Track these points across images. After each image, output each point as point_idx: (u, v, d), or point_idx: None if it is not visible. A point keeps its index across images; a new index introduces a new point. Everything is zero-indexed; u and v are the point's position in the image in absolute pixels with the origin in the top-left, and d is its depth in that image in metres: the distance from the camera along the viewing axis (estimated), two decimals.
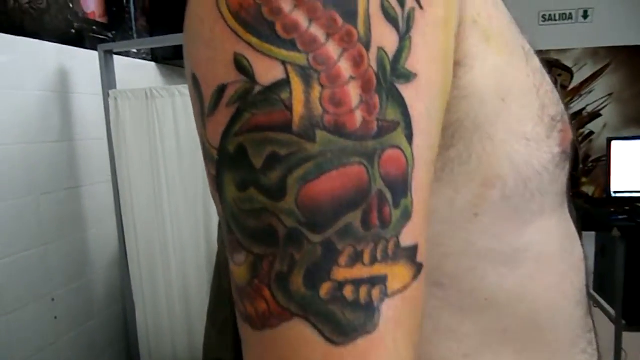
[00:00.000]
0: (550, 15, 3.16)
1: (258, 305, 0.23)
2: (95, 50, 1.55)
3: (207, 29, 0.24)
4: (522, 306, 0.34)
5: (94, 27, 1.68)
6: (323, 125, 0.22)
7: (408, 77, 0.24)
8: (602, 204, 2.46)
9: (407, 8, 0.24)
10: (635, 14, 3.08)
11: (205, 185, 1.48)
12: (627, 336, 2.08)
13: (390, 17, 0.24)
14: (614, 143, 2.30)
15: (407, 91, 0.24)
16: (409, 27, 0.24)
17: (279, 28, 0.22)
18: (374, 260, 0.22)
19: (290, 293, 0.22)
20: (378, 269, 0.22)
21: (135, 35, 1.90)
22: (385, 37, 0.23)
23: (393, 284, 0.23)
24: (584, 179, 3.20)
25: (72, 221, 1.54)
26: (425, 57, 0.25)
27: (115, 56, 1.57)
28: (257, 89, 0.22)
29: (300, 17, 0.22)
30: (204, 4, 0.25)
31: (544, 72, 0.35)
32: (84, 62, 1.58)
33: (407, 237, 0.23)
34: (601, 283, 2.30)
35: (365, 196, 0.22)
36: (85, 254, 1.60)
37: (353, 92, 0.22)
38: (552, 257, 0.35)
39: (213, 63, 0.24)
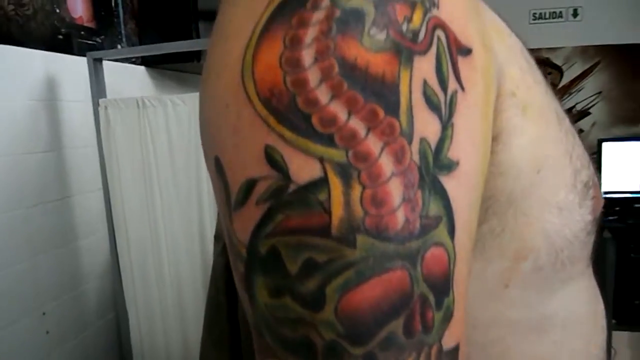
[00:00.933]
0: (540, 13, 3.16)
1: None
2: (84, 55, 1.51)
3: (233, 114, 0.23)
4: None
5: (82, 32, 1.64)
6: (364, 228, 0.20)
7: (450, 167, 0.23)
8: None
9: (449, 92, 0.23)
10: (625, 12, 3.10)
11: (199, 194, 1.45)
12: (616, 335, 2.13)
13: (432, 105, 0.22)
14: (604, 144, 2.32)
15: (449, 182, 0.22)
16: (451, 113, 0.23)
17: (315, 121, 0.21)
18: None
19: None
20: None
21: (124, 39, 1.86)
22: (427, 127, 0.22)
23: None
24: None
25: (63, 232, 1.51)
26: (467, 142, 0.24)
27: (104, 61, 1.53)
28: (292, 187, 0.21)
29: (338, 110, 0.21)
30: (227, 85, 0.23)
31: (574, 131, 0.34)
32: (72, 68, 1.54)
33: (449, 339, 0.22)
34: None
35: (408, 302, 0.21)
36: (77, 266, 1.57)
37: (395, 190, 0.21)
38: (578, 321, 0.34)
39: (241, 152, 0.22)
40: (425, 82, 0.22)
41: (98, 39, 1.72)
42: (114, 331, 1.70)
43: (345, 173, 0.20)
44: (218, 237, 1.13)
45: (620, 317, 2.06)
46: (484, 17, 0.28)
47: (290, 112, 0.21)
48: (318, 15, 0.21)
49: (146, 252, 1.55)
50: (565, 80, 3.18)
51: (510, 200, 0.29)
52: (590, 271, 0.37)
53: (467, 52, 0.24)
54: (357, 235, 0.20)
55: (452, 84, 0.23)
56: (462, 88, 0.23)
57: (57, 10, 1.53)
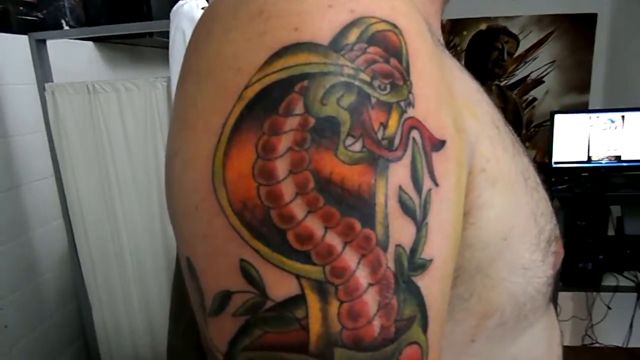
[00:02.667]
0: None
1: None
2: (25, 34, 1.41)
3: (204, 220, 0.22)
4: None
5: (21, 8, 1.52)
6: (341, 342, 0.21)
7: (424, 266, 0.23)
8: (544, 171, 2.59)
9: (424, 192, 0.23)
10: None
11: (159, 181, 1.42)
12: (562, 294, 2.30)
13: (408, 209, 0.22)
14: (557, 116, 2.40)
15: (423, 280, 0.23)
16: (425, 213, 0.23)
17: (291, 237, 0.20)
18: None
19: None
20: None
21: (68, 13, 1.74)
22: (403, 233, 0.22)
23: None
24: (526, 144, 3.33)
25: (15, 223, 1.45)
26: (440, 237, 0.24)
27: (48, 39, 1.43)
28: (269, 304, 0.21)
29: (314, 225, 0.20)
30: (196, 185, 0.22)
31: (538, 184, 0.35)
32: (13, 48, 1.43)
33: None
34: None
35: None
36: (32, 257, 1.51)
37: (371, 301, 0.21)
38: (539, 358, 0.36)
39: (214, 262, 0.22)
40: (400, 188, 0.22)
41: (40, 15, 1.60)
42: (77, 321, 1.68)
43: (322, 289, 0.20)
44: (175, 318, 1.12)
45: (566, 279, 2.20)
46: (457, 96, 0.28)
47: (264, 226, 0.20)
48: (291, 122, 0.21)
49: (105, 238, 1.51)
50: (521, 49, 3.24)
51: (478, 268, 0.30)
52: (550, 308, 0.39)
53: (441, 145, 0.24)
54: (335, 350, 0.21)
55: (427, 183, 0.23)
56: (436, 184, 0.23)
57: None
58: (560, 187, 2.30)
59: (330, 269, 0.20)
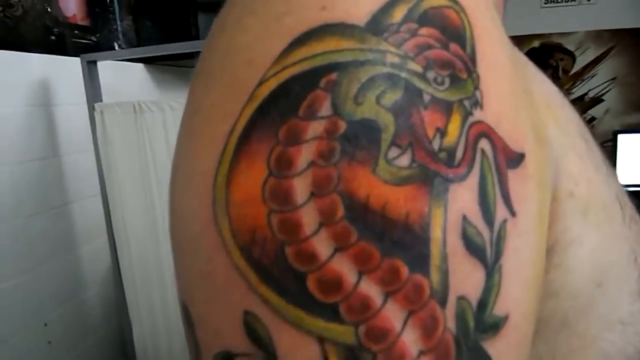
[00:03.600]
0: None
1: None
2: (78, 56, 1.45)
3: (203, 255, 0.17)
4: None
5: (76, 32, 1.57)
6: None
7: (497, 326, 0.17)
8: None
9: (497, 224, 0.17)
10: None
11: None
12: None
13: (475, 248, 0.17)
14: (620, 136, 2.24)
15: (495, 345, 0.17)
16: (499, 253, 0.17)
17: (312, 284, 0.15)
18: None
19: None
20: None
21: (120, 36, 1.79)
22: (468, 281, 0.16)
23: None
24: None
25: (63, 240, 1.47)
26: (518, 285, 0.18)
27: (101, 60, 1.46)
28: None
29: (344, 268, 0.15)
30: (194, 209, 0.18)
31: (635, 210, 0.28)
32: (67, 70, 1.48)
33: None
34: None
35: None
36: (77, 274, 1.53)
37: None
38: None
39: (213, 311, 0.17)
40: (465, 219, 0.16)
41: (93, 38, 1.65)
42: (118, 339, 1.68)
43: (355, 357, 0.15)
44: None
45: None
46: (536, 96, 0.22)
47: (277, 268, 0.15)
48: (315, 128, 0.16)
49: (147, 256, 1.51)
50: (577, 67, 3.07)
51: (564, 323, 0.24)
52: None
53: (519, 160, 0.18)
54: None
55: (501, 212, 0.17)
56: (513, 213, 0.18)
57: (49, 10, 1.46)
58: None
59: (367, 330, 0.15)
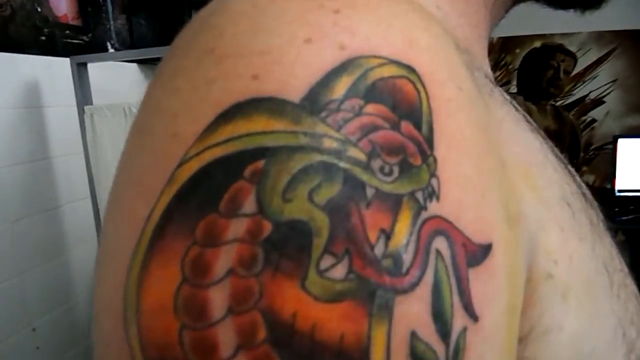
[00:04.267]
0: None
1: None
2: (69, 57, 1.43)
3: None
4: None
5: (67, 32, 1.55)
6: None
7: None
8: (605, 196, 2.39)
9: (454, 335, 0.15)
10: None
11: None
12: None
13: None
14: (620, 140, 2.21)
15: None
16: None
17: None
18: None
19: None
20: None
21: (113, 36, 1.76)
22: None
23: None
24: (584, 168, 3.10)
25: (52, 244, 1.46)
26: None
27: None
28: None
29: None
30: (108, 309, 0.15)
31: (626, 272, 0.26)
32: (57, 71, 1.46)
33: None
34: None
35: None
36: (67, 278, 1.51)
37: None
38: None
39: None
40: (413, 335, 0.14)
41: (85, 38, 1.63)
42: None
43: None
44: None
45: None
46: (510, 164, 0.20)
47: None
48: (237, 228, 0.13)
49: None
50: (579, 68, 3.04)
51: None
52: None
53: (484, 254, 0.16)
54: None
55: (459, 320, 0.15)
56: (475, 318, 0.15)
57: (39, 9, 1.43)
58: (624, 218, 2.10)
59: None
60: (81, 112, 1.36)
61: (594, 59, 2.96)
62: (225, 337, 0.13)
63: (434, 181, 0.15)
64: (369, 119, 0.15)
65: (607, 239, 0.26)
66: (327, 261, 0.13)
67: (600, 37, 2.94)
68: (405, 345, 0.14)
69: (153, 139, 0.16)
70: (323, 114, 0.14)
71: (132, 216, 0.15)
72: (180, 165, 0.15)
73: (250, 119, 0.14)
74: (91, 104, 1.39)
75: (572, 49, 2.97)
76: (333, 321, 0.13)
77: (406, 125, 0.15)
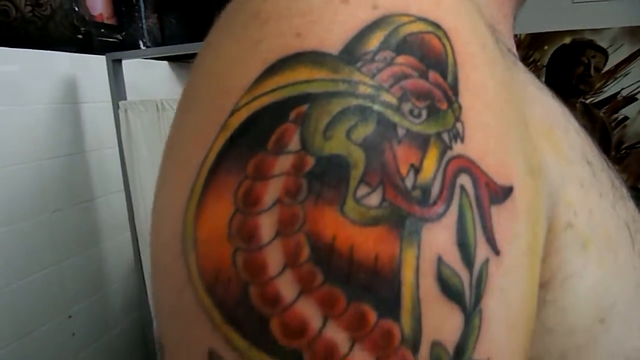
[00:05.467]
0: None
1: None
2: (104, 54, 1.48)
3: (173, 290, 0.17)
4: None
5: (102, 30, 1.61)
6: None
7: None
8: (638, 198, 2.33)
9: (477, 264, 0.16)
10: None
11: None
12: None
13: (451, 291, 0.16)
14: None
15: None
16: (479, 295, 0.16)
17: (275, 328, 0.15)
18: None
19: None
20: None
21: (145, 34, 1.82)
22: (444, 326, 0.16)
23: None
24: (616, 167, 3.04)
25: (87, 235, 1.51)
26: (502, 328, 0.17)
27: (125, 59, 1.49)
28: None
29: (309, 313, 0.15)
30: (168, 244, 0.18)
31: None
32: (93, 68, 1.52)
33: None
34: None
35: None
36: (101, 268, 1.57)
37: None
38: None
39: (181, 347, 0.17)
40: (440, 261, 0.16)
41: (119, 36, 1.68)
42: (139, 331, 1.72)
43: None
44: None
45: None
46: (532, 122, 0.21)
47: (240, 308, 0.15)
48: (283, 163, 0.16)
49: None
50: (610, 64, 2.97)
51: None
52: None
53: (505, 195, 0.18)
54: None
55: (482, 252, 0.17)
56: (497, 252, 0.17)
57: (76, 9, 1.49)
58: None
59: None
60: (116, 107, 1.41)
61: (626, 55, 2.89)
62: (274, 257, 0.15)
63: (458, 125, 0.17)
64: (400, 68, 0.17)
65: (630, 202, 0.27)
66: (362, 190, 0.15)
67: (632, 32, 2.87)
68: (433, 269, 0.16)
69: (206, 95, 0.18)
70: (358, 64, 0.16)
71: (187, 163, 0.18)
72: (231, 114, 0.17)
73: (294, 70, 0.16)
74: (125, 99, 1.44)
75: (603, 45, 2.91)
76: (368, 243, 0.15)
77: (433, 75, 0.17)
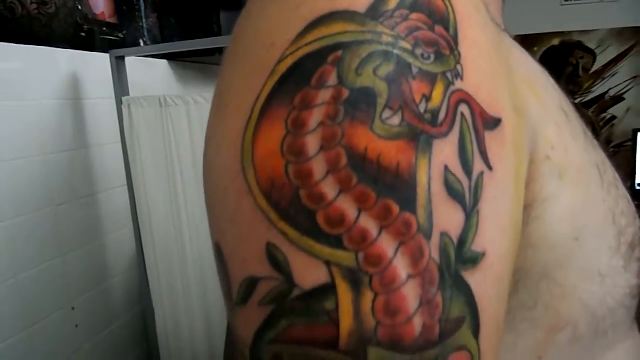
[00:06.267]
0: None
1: None
2: (106, 52, 1.52)
3: (232, 201, 0.21)
4: None
5: (104, 28, 1.64)
6: (376, 340, 0.19)
7: (475, 260, 0.21)
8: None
9: (474, 175, 0.21)
10: None
11: None
12: None
13: (455, 193, 0.20)
14: None
15: (474, 277, 0.21)
16: (476, 199, 0.21)
17: (321, 219, 0.19)
18: None
19: None
20: None
21: (146, 33, 1.86)
22: (449, 220, 0.20)
23: None
24: None
25: (90, 229, 1.54)
26: (494, 229, 0.22)
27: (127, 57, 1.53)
28: (296, 292, 0.19)
29: (347, 207, 0.19)
30: (226, 164, 0.22)
31: (617, 180, 0.32)
32: (95, 66, 1.55)
33: None
34: None
35: None
36: (104, 261, 1.60)
37: (411, 296, 0.19)
38: None
39: (241, 246, 0.21)
40: (446, 169, 0.20)
41: (120, 35, 1.72)
42: (141, 323, 1.74)
43: (355, 279, 0.19)
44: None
45: None
46: (516, 74, 0.26)
47: (293, 207, 0.19)
48: (324, 95, 0.20)
49: (170, 246, 1.57)
50: (598, 65, 3.05)
51: (544, 273, 0.27)
52: (635, 329, 0.34)
53: (495, 124, 0.22)
54: (369, 348, 0.19)
55: (478, 166, 0.21)
56: (490, 167, 0.21)
57: (80, 7, 1.53)
58: None
59: (364, 256, 0.19)
60: (119, 103, 1.45)
61: (614, 55, 2.97)
62: (319, 166, 0.19)
63: (458, 67, 0.21)
64: (413, 23, 0.21)
65: (600, 150, 0.31)
66: (387, 113, 0.20)
67: (619, 34, 2.95)
68: (440, 174, 0.20)
69: (253, 50, 0.23)
70: (381, 19, 0.21)
71: (241, 103, 0.22)
72: (279, 62, 0.21)
73: (330, 26, 0.21)
74: (128, 95, 1.47)
75: (591, 46, 2.99)
76: (392, 153, 0.19)
77: (439, 28, 0.21)
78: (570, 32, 3.00)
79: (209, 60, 2.10)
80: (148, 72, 1.82)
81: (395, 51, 0.20)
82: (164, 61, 1.93)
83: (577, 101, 3.08)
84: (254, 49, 0.23)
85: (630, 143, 2.50)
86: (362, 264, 0.19)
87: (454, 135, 0.20)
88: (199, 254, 1.56)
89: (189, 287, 1.59)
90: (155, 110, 1.41)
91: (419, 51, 0.21)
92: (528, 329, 0.28)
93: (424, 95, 0.20)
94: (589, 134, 0.31)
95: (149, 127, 1.44)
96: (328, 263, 0.19)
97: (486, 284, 0.21)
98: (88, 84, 1.53)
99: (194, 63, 2.10)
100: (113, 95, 1.49)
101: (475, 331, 0.20)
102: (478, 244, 0.21)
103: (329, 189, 0.19)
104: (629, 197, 0.32)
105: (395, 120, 0.20)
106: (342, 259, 0.19)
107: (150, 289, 1.61)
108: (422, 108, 0.20)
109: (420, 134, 0.20)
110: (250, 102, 0.21)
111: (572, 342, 0.28)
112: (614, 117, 3.05)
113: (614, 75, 3.01)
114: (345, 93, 0.20)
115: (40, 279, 1.35)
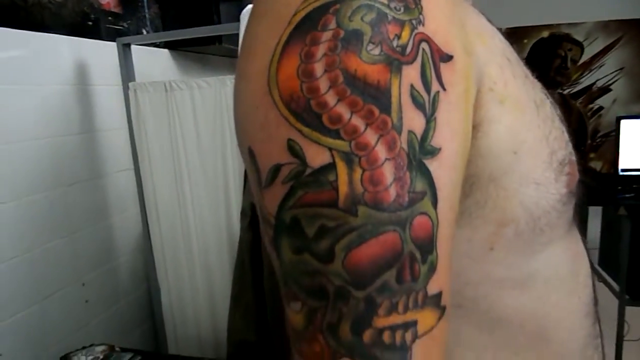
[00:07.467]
0: None
1: (313, 347, 0.28)
2: (111, 41, 1.59)
3: (262, 114, 0.29)
4: (532, 322, 0.40)
5: (110, 18, 1.71)
6: (364, 201, 0.27)
7: (433, 152, 0.29)
8: (610, 180, 2.50)
9: (432, 92, 0.29)
10: None
11: (225, 173, 1.54)
12: (629, 310, 2.15)
13: (418, 103, 0.28)
14: (623, 121, 2.32)
15: (432, 164, 0.29)
16: (434, 110, 0.29)
17: (325, 119, 0.27)
18: (406, 309, 0.28)
19: (340, 339, 0.27)
20: (410, 316, 0.28)
21: (148, 23, 1.93)
22: (414, 122, 0.28)
23: (422, 327, 0.28)
24: (591, 155, 3.21)
25: (98, 209, 1.61)
26: (447, 132, 0.30)
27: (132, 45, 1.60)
28: (308, 171, 0.27)
29: (343, 110, 0.27)
30: (256, 90, 0.30)
31: (555, 116, 0.40)
32: (101, 53, 1.62)
33: (433, 287, 0.29)
34: (606, 259, 2.35)
35: (399, 257, 0.27)
36: (112, 240, 1.68)
37: (388, 172, 0.27)
38: (559, 279, 0.41)
39: (268, 144, 0.29)
40: (412, 86, 0.28)
41: (124, 24, 1.79)
42: (147, 301, 1.82)
43: (349, 159, 0.27)
44: (244, 213, 1.22)
45: (633, 292, 2.10)
46: (468, 27, 0.34)
47: (306, 112, 0.27)
48: (326, 35, 0.28)
49: (175, 226, 1.64)
50: (586, 57, 3.14)
51: (491, 178, 0.35)
52: (573, 233, 0.43)
53: (448, 58, 0.30)
54: (359, 207, 0.27)
55: (435, 86, 0.29)
56: (444, 88, 0.30)
57: None
58: (627, 195, 2.21)
59: (355, 143, 0.27)
60: (126, 88, 1.52)
61: (601, 47, 3.06)
62: (323, 83, 0.27)
63: (421, 16, 0.29)
64: None
65: (542, 94, 0.40)
66: (370, 46, 0.28)
67: (606, 26, 3.04)
68: (407, 90, 0.28)
69: (274, 8, 0.31)
70: None
71: (266, 47, 0.30)
72: (294, 14, 0.29)
73: None
74: (134, 81, 1.54)
75: (579, 38, 3.09)
76: (374, 73, 0.28)
77: None
78: (558, 25, 3.09)
79: (208, 49, 2.17)
80: (151, 60, 1.89)
81: (376, 4, 0.28)
82: (166, 50, 2.01)
83: (565, 92, 3.18)
84: (274, 7, 0.31)
85: (614, 132, 2.59)
86: (353, 148, 0.27)
87: (417, 63, 0.28)
88: (203, 234, 1.63)
89: (193, 266, 1.67)
90: (161, 95, 1.49)
91: (392, 4, 0.29)
92: (481, 224, 0.36)
93: (396, 35, 0.28)
94: (531, 77, 0.39)
95: (155, 111, 1.51)
96: (330, 149, 0.27)
97: (442, 170, 0.29)
98: (94, 71, 1.60)
99: (194, 52, 2.18)
100: (120, 82, 1.56)
101: (434, 203, 0.29)
102: (435, 141, 0.29)
103: (331, 98, 0.27)
104: (564, 130, 0.40)
105: (376, 51, 0.28)
106: (340, 145, 0.27)
107: (155, 267, 1.68)
108: (394, 43, 0.28)
109: (393, 61, 0.28)
110: (273, 45, 0.29)
111: (515, 236, 0.37)
112: (601, 108, 3.14)
113: (601, 66, 3.11)
114: (341, 32, 0.28)
115: (51, 254, 1.43)
